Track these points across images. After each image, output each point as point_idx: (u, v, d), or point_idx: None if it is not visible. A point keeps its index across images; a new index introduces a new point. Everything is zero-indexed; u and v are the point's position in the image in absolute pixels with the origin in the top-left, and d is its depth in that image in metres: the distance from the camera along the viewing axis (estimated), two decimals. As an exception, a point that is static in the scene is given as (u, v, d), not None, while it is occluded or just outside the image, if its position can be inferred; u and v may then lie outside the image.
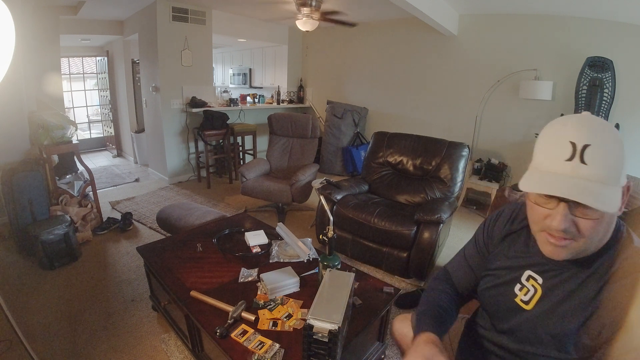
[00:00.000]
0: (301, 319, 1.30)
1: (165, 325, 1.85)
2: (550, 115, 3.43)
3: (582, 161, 0.60)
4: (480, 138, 4.02)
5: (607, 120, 3.02)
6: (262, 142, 4.89)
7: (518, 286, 0.79)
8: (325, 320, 0.99)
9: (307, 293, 1.47)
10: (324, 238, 1.43)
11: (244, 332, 1.22)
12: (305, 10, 3.57)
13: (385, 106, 4.89)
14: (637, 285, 0.63)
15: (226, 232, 2.00)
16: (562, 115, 3.02)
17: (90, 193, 3.13)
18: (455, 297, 0.97)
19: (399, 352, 1.14)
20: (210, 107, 4.41)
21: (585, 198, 0.58)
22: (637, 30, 2.92)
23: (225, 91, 5.09)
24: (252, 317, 1.28)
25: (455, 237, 3.10)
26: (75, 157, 3.05)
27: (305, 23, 3.69)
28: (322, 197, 1.62)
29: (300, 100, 5.85)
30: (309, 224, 3.29)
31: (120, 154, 6.01)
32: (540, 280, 0.76)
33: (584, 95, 3.13)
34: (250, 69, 6.57)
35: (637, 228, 0.76)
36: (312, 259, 1.73)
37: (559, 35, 3.30)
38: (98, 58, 5.85)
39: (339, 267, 1.41)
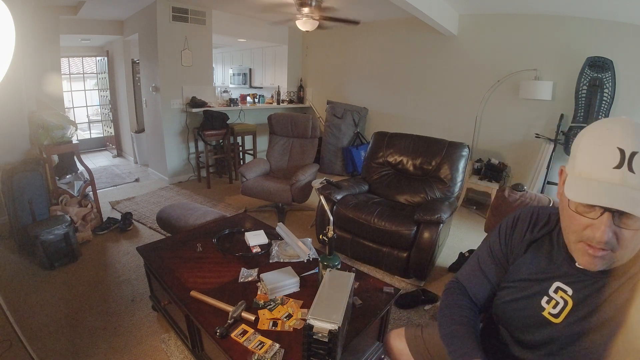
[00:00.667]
0: (301, 319, 1.30)
1: (165, 325, 1.85)
2: (550, 115, 3.44)
3: (631, 169, 0.57)
4: (480, 138, 4.02)
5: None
6: (262, 142, 4.89)
7: (545, 299, 0.75)
8: (325, 320, 0.99)
9: (307, 293, 1.46)
10: (324, 238, 1.43)
11: (244, 332, 1.22)
12: (305, 10, 3.57)
13: (385, 106, 4.89)
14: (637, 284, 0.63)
15: (226, 232, 2.00)
16: (562, 115, 2.99)
17: (90, 193, 3.13)
18: (477, 311, 0.92)
19: None
20: (210, 107, 4.41)
21: (636, 209, 0.55)
22: (637, 30, 2.92)
23: (225, 91, 5.08)
24: (252, 317, 1.28)
25: (455, 237, 3.10)
26: (75, 157, 3.05)
27: (305, 23, 3.69)
28: (322, 197, 1.62)
29: (300, 100, 5.85)
30: (309, 224, 3.29)
31: (120, 154, 6.01)
32: (570, 292, 0.72)
33: (584, 95, 3.13)
34: (250, 69, 6.57)
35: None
36: (312, 259, 1.73)
37: (559, 35, 3.30)
38: (98, 58, 5.85)
39: (339, 267, 1.41)
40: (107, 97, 5.82)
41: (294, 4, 3.58)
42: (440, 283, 2.41)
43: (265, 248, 1.82)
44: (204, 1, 4.10)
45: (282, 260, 1.72)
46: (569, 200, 0.64)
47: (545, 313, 0.75)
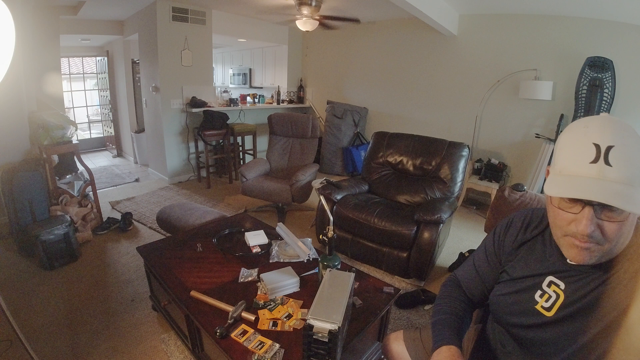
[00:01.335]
0: (301, 319, 1.30)
1: (165, 325, 1.85)
2: (550, 115, 3.44)
3: (607, 163, 0.59)
4: (480, 138, 4.02)
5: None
6: (262, 142, 4.89)
7: (539, 293, 0.77)
8: (325, 320, 0.99)
9: (307, 293, 1.47)
10: (324, 238, 1.43)
11: (244, 332, 1.22)
12: (305, 10, 3.57)
13: (385, 106, 4.89)
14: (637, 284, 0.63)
15: (226, 232, 2.00)
16: (562, 115, 2.99)
17: (90, 193, 3.13)
18: (469, 303, 0.96)
19: None
20: (210, 107, 4.41)
21: (614, 200, 0.57)
22: (637, 30, 2.92)
23: (225, 91, 5.08)
24: (252, 317, 1.28)
25: (455, 237, 3.10)
26: (75, 157, 3.05)
27: (305, 23, 3.69)
28: (322, 197, 1.62)
29: (300, 100, 5.85)
30: (309, 224, 3.29)
31: (120, 154, 6.02)
32: (562, 285, 0.74)
33: (584, 95, 3.13)
34: (250, 69, 6.57)
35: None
36: (312, 259, 1.73)
37: (559, 35, 3.30)
38: (98, 58, 5.86)
39: (339, 267, 1.41)
40: (107, 97, 5.82)
41: (294, 4, 3.58)
42: (440, 283, 2.39)
43: (265, 248, 1.82)
44: (204, 1, 4.11)
45: (282, 260, 1.72)
46: (550, 197, 0.67)
47: (538, 307, 0.76)
